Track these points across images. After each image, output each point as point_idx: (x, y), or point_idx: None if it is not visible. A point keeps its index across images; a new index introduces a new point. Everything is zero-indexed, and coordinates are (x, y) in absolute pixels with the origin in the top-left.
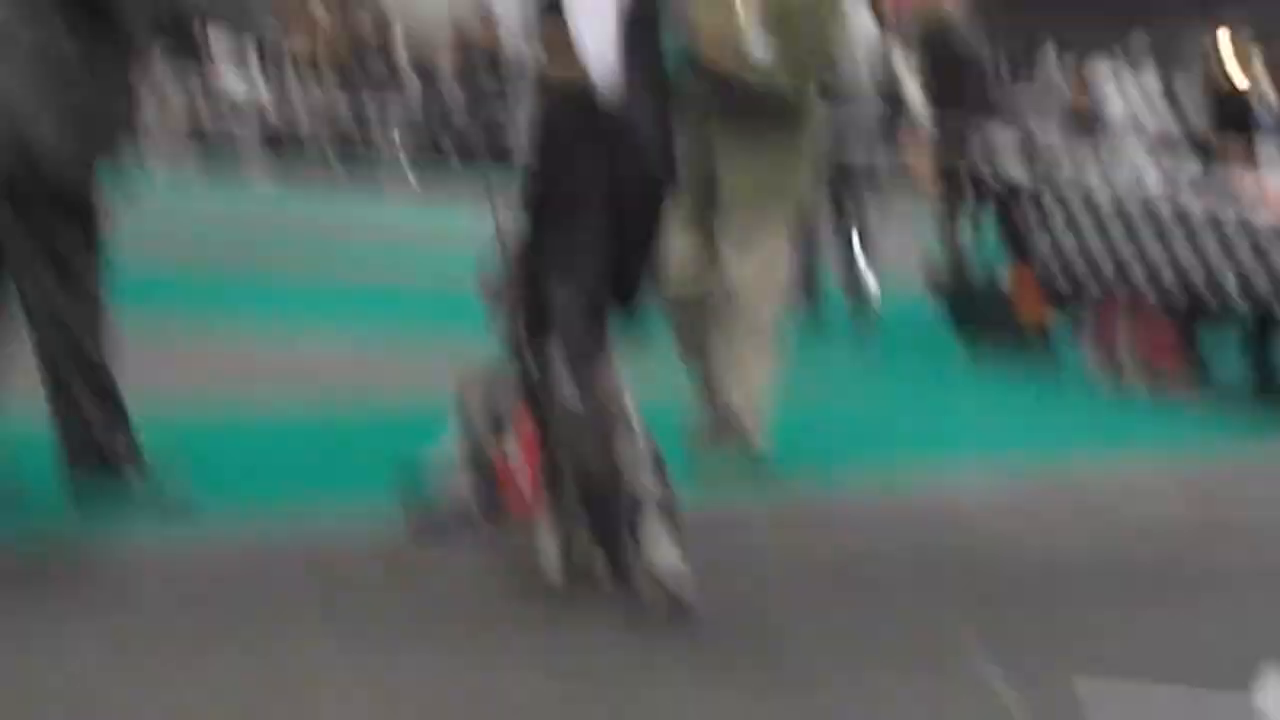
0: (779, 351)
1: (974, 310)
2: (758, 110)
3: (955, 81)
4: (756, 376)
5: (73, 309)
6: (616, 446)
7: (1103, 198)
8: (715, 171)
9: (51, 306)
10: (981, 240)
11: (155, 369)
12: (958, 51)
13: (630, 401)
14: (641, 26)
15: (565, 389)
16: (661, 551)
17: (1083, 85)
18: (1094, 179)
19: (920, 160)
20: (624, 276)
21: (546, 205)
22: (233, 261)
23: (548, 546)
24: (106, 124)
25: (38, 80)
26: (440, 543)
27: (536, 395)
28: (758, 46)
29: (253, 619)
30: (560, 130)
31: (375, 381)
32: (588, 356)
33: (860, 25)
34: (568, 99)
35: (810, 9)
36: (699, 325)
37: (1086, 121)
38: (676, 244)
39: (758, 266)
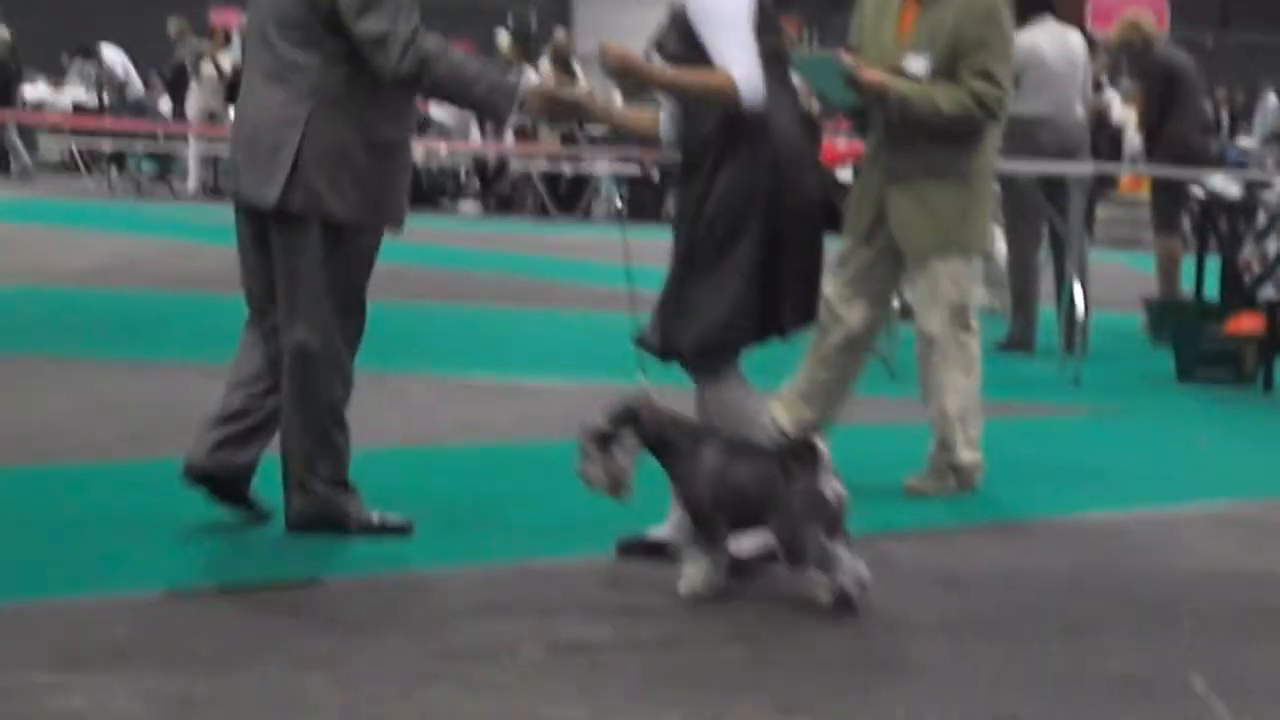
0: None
1: (1184, 326)
2: (926, 136)
3: (1164, 101)
4: (960, 403)
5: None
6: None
7: None
8: (887, 213)
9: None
10: (1192, 259)
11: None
12: (1165, 70)
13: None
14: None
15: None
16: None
17: None
18: None
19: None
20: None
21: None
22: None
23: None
24: None
25: None
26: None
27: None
28: (916, 63)
29: None
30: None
31: None
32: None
33: (1070, 45)
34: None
35: (971, 19)
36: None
37: None
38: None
39: (944, 311)
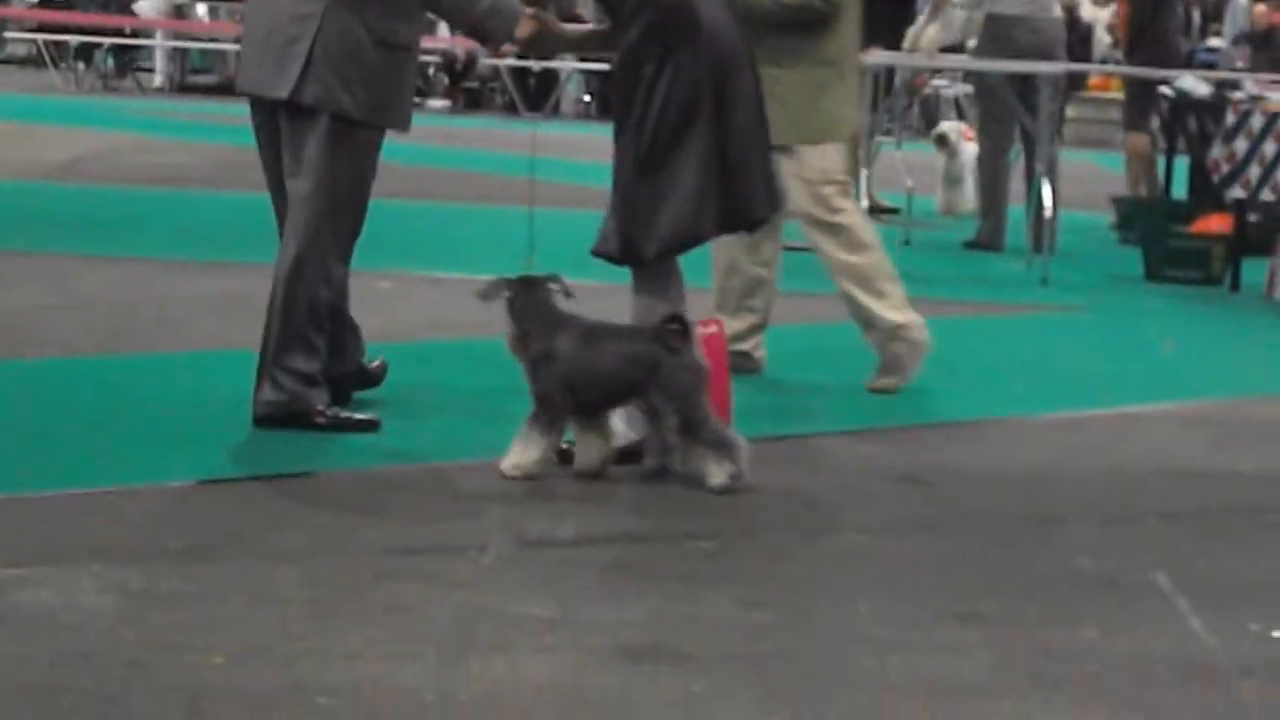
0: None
1: (1152, 226)
2: (769, 27)
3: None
4: (854, 275)
5: None
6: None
7: None
8: None
9: None
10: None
11: None
12: None
13: None
14: None
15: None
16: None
17: (1268, 8)
18: (1276, 96)
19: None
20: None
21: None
22: None
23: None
24: None
25: None
26: None
27: None
28: None
29: None
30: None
31: None
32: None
33: None
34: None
35: None
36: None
37: (1268, 40)
38: None
39: (806, 193)
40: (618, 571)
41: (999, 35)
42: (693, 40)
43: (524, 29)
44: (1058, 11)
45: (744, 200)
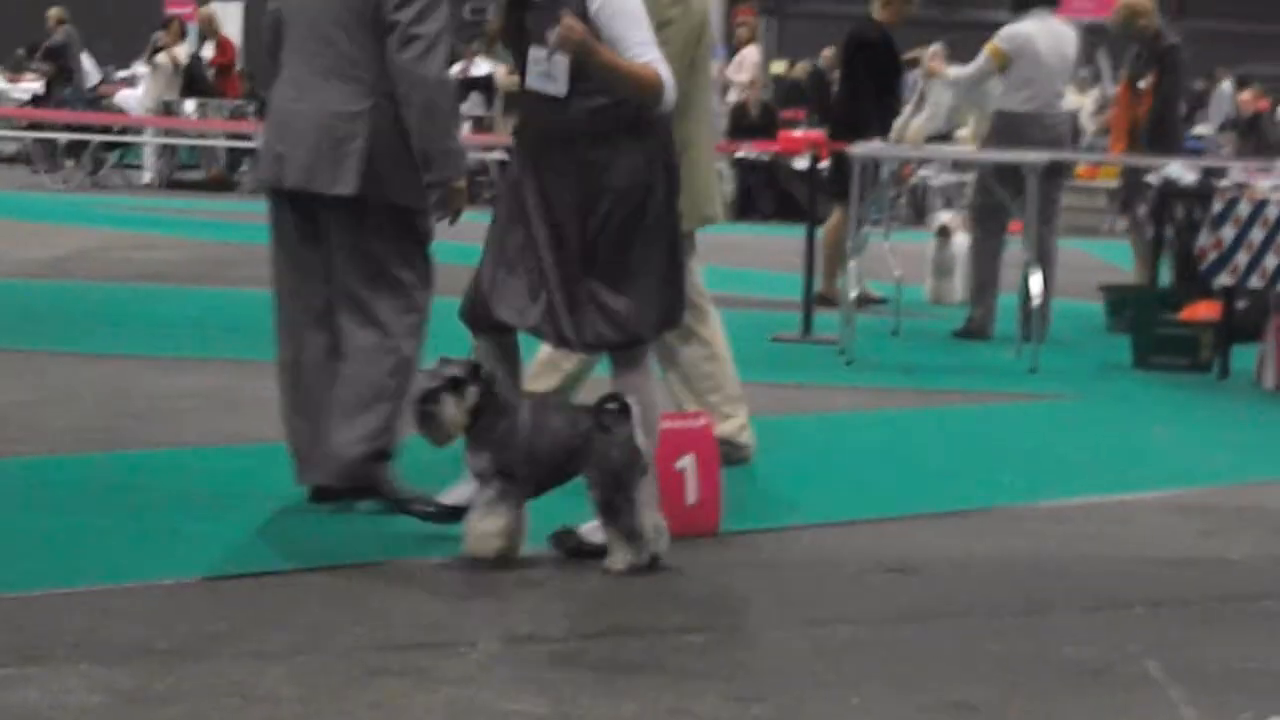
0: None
1: (1141, 313)
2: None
3: (1170, 88)
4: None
5: None
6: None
7: (1272, 198)
8: None
9: None
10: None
11: None
12: (1173, 57)
13: None
14: None
15: None
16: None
17: (1254, 94)
18: (1262, 183)
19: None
20: None
21: None
22: None
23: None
24: None
25: None
26: None
27: None
28: None
29: None
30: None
31: None
32: None
33: (1063, 40)
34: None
35: None
36: None
37: (1254, 127)
38: None
39: None
40: (608, 666)
41: (1009, 131)
42: (655, 132)
43: (570, 34)
44: (1068, 105)
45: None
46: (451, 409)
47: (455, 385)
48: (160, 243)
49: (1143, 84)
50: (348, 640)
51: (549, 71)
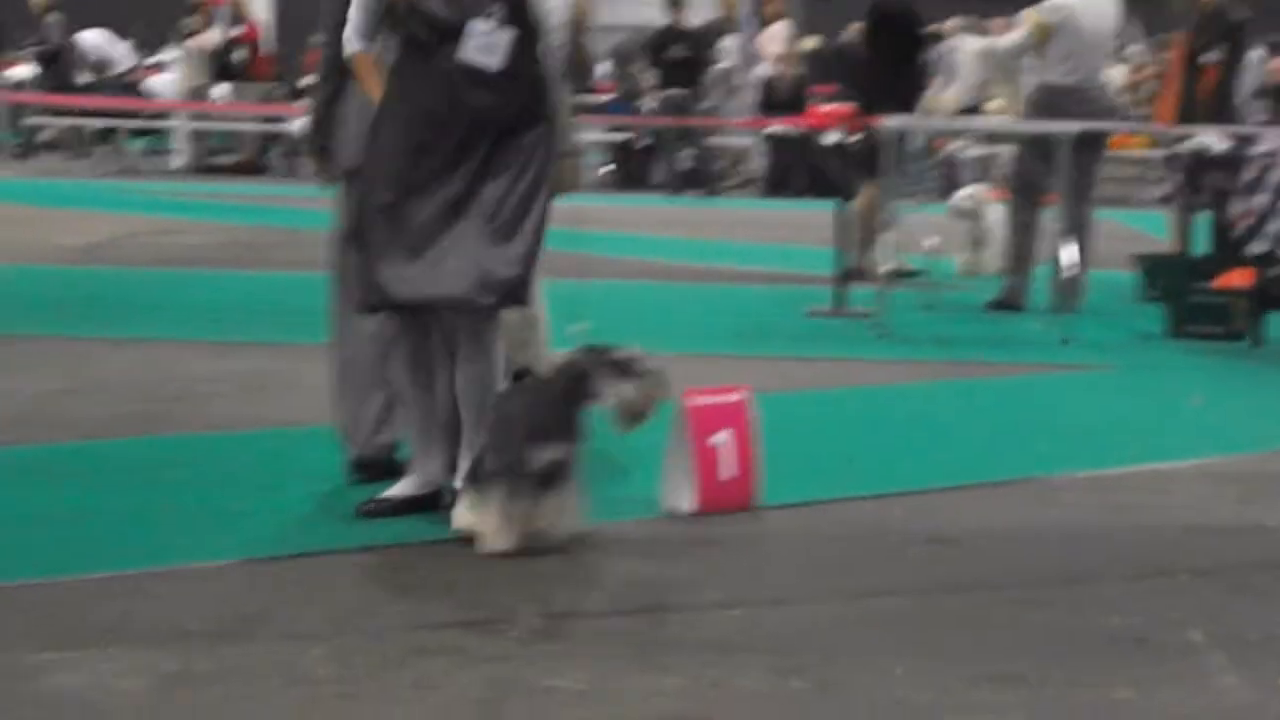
0: None
1: (1174, 282)
2: None
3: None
4: None
5: None
6: None
7: None
8: None
9: None
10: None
11: None
12: (1237, 30)
13: None
14: None
15: None
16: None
17: None
18: None
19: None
20: None
21: None
22: None
23: None
24: None
25: None
26: None
27: None
28: None
29: None
30: None
31: None
32: None
33: (1105, 13)
34: None
35: None
36: None
37: None
38: None
39: None
40: (648, 641)
41: (1050, 104)
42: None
43: None
44: (1109, 77)
45: None
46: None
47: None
48: (192, 227)
49: (1206, 59)
50: (387, 620)
51: (490, 45)
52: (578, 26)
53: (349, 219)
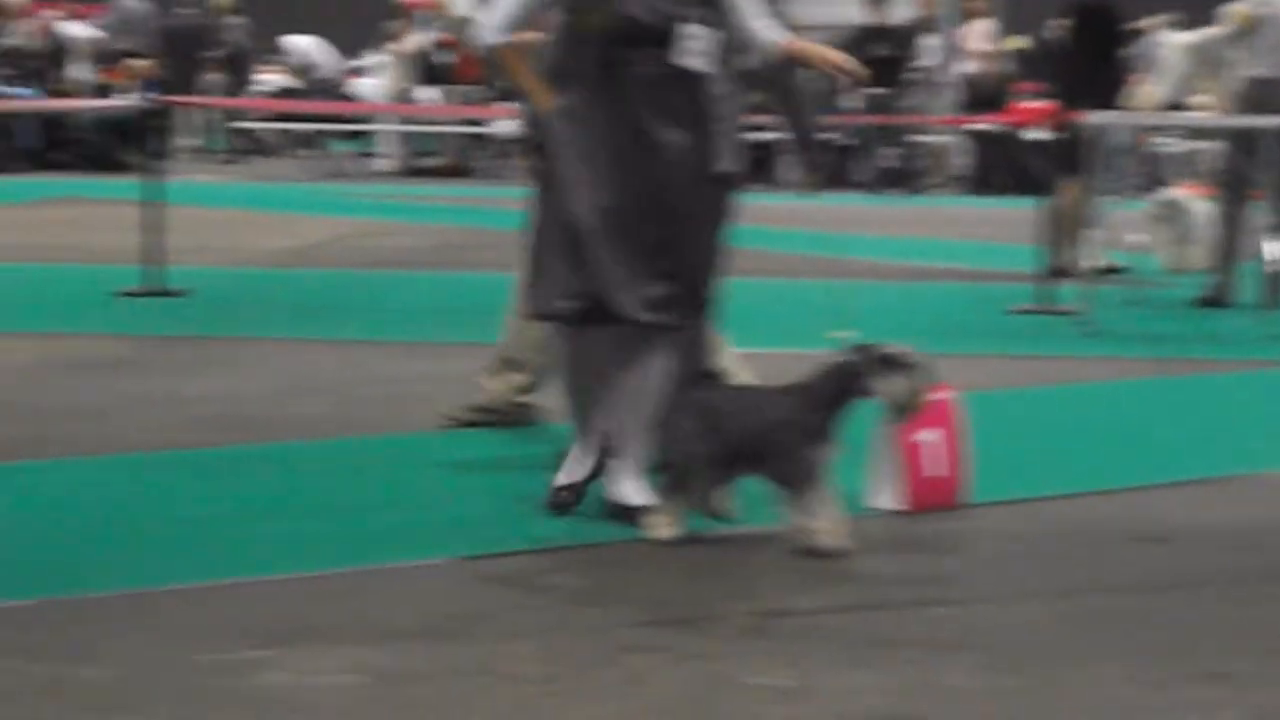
0: None
1: None
2: None
3: None
4: None
5: None
6: None
7: None
8: None
9: None
10: None
11: None
12: None
13: None
14: None
15: None
16: None
17: None
18: None
19: None
20: None
21: None
22: None
23: None
24: None
25: None
26: None
27: None
28: None
29: None
30: None
31: None
32: None
33: None
34: None
35: None
36: None
37: None
38: None
39: None
40: (857, 640)
41: (1258, 97)
42: None
43: None
44: None
45: None
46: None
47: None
48: (399, 230)
49: None
50: (595, 618)
51: (702, 48)
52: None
53: (544, 222)
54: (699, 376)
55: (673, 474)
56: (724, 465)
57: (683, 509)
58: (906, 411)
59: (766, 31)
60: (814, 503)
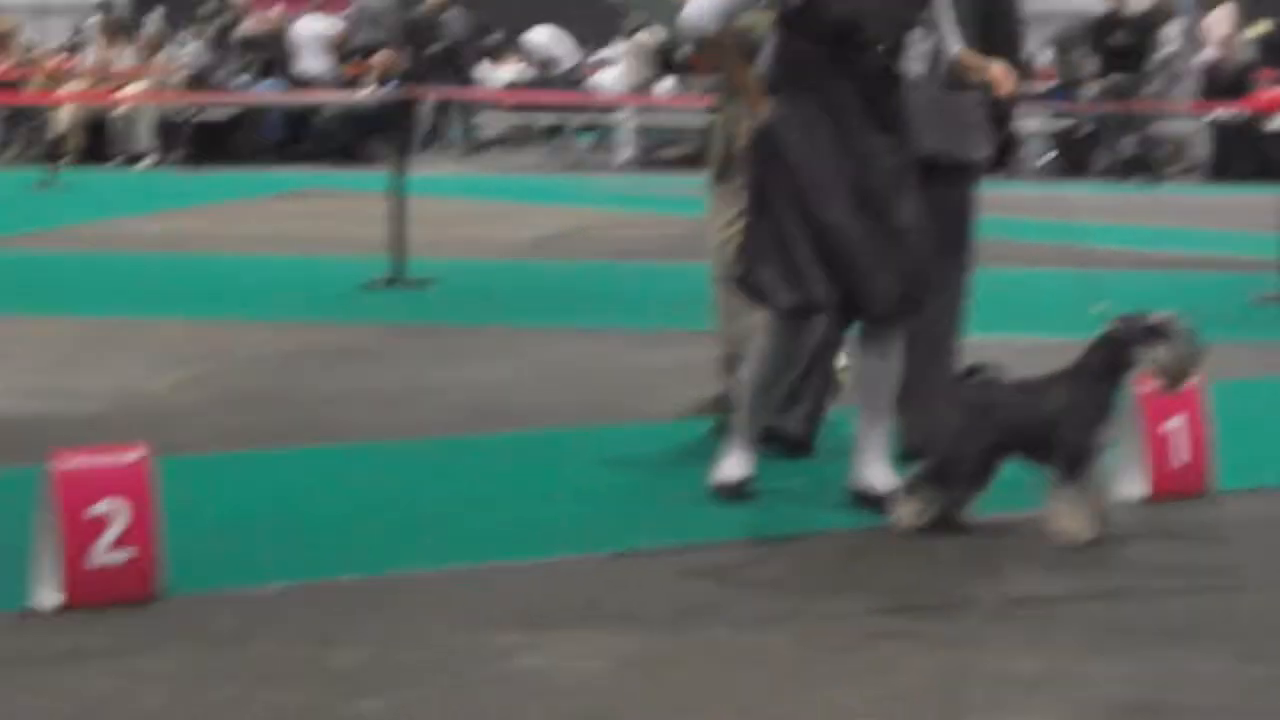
0: None
1: None
2: None
3: None
4: None
5: None
6: None
7: None
8: None
9: None
10: None
11: None
12: None
13: None
14: None
15: None
16: None
17: None
18: None
19: None
20: None
21: None
22: None
23: None
24: None
25: None
26: None
27: None
28: None
29: None
30: None
31: None
32: None
33: None
34: None
35: None
36: None
37: None
38: None
39: None
40: (1105, 627)
41: None
42: None
43: None
44: None
45: None
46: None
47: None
48: (638, 221)
49: None
50: (844, 604)
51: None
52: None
53: (769, 219)
54: (963, 372)
55: (935, 467)
56: (993, 459)
57: (938, 500)
58: (1177, 380)
59: (952, 41)
60: (1083, 488)
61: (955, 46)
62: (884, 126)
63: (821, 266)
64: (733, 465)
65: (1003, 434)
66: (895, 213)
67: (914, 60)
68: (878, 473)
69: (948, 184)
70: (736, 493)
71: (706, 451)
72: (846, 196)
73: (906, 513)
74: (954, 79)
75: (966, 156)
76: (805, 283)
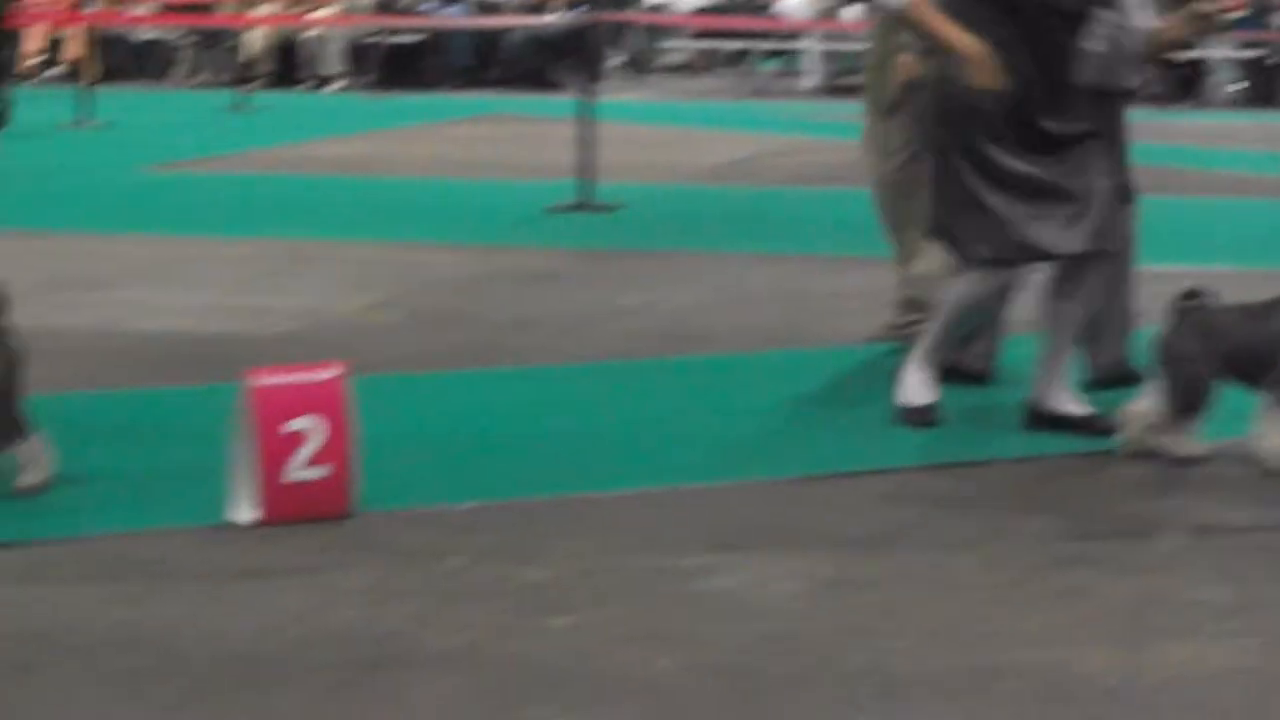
0: None
1: None
2: None
3: None
4: None
5: None
6: None
7: None
8: None
9: None
10: None
11: None
12: None
13: None
14: None
15: None
16: None
17: None
18: None
19: None
20: None
21: None
22: None
23: None
24: None
25: None
26: None
27: None
28: None
29: None
30: None
31: None
32: None
33: None
34: None
35: None
36: None
37: None
38: None
39: None
40: None
41: None
42: None
43: None
44: None
45: None
46: None
47: None
48: (824, 146)
49: None
50: (1034, 530)
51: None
52: None
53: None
54: (1181, 295)
55: (1180, 395)
56: (1221, 381)
57: (1195, 426)
58: None
59: (1144, 18)
60: None
61: (1149, 22)
62: (1065, 86)
63: (1015, 216)
64: (919, 391)
65: (1228, 357)
66: (1084, 161)
67: (1097, 39)
68: (1067, 397)
69: (1097, 110)
70: (923, 418)
71: (894, 377)
72: (1037, 145)
73: (1180, 444)
74: (1153, 50)
75: (1117, 84)
76: (1002, 233)
